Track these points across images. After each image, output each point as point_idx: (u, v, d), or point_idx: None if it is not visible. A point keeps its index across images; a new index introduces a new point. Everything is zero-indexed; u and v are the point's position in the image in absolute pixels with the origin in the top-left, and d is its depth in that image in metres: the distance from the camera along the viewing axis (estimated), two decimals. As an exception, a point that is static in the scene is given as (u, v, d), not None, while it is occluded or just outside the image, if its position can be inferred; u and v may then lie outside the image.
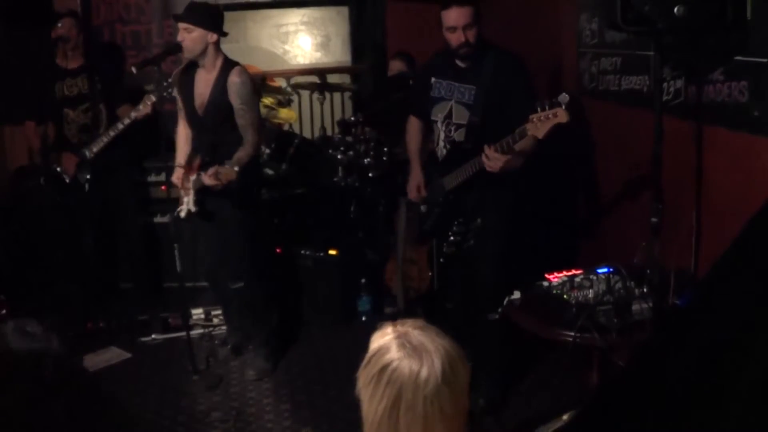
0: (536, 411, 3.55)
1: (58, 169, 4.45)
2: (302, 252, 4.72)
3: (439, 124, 3.57)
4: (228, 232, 3.96)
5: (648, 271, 3.09)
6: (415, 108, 3.82)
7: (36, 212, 4.76)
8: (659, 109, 3.08)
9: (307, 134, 5.49)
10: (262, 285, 4.09)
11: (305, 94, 5.55)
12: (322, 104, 5.22)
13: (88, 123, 4.52)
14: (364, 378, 1.63)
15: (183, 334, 4.09)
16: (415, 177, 3.74)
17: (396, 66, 5.07)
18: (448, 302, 3.99)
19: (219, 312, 4.60)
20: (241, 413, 3.73)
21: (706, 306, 1.54)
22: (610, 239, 4.36)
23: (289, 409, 3.77)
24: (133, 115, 4.20)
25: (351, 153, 4.77)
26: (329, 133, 5.30)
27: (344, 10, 6.19)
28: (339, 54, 6.45)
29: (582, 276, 3.14)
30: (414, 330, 1.64)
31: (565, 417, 2.61)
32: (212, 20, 3.74)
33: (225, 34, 3.80)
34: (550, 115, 2.95)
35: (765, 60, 2.85)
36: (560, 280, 3.17)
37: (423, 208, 3.75)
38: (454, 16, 3.32)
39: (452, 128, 3.52)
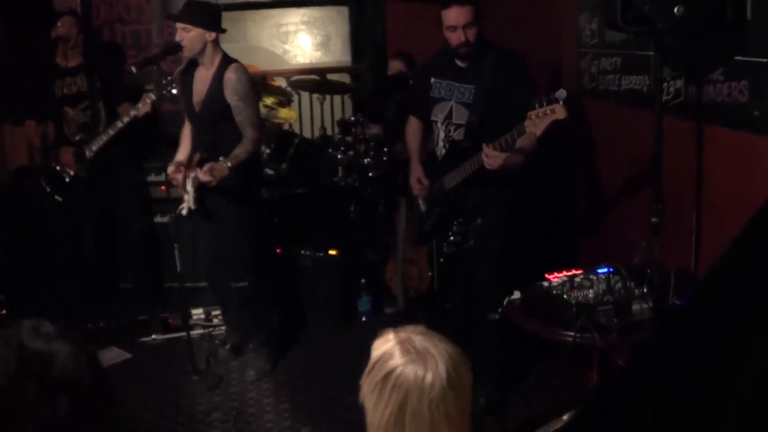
0: (536, 411, 3.55)
1: (58, 168, 4.45)
2: (302, 252, 4.72)
3: (439, 124, 3.57)
4: (228, 231, 3.97)
5: (648, 271, 3.09)
6: (414, 108, 3.81)
7: (36, 212, 4.75)
8: (659, 109, 3.08)
9: (307, 134, 5.49)
10: (262, 285, 4.09)
11: (305, 93, 5.55)
12: (322, 104, 5.22)
13: (88, 121, 4.52)
14: (368, 385, 1.63)
15: (183, 334, 4.09)
16: (415, 170, 3.73)
17: (395, 66, 5.07)
18: (448, 302, 3.99)
19: (219, 312, 4.60)
20: (241, 413, 3.73)
21: (706, 306, 1.54)
22: (610, 239, 4.36)
23: (289, 409, 3.77)
24: (133, 113, 4.19)
25: (351, 153, 4.77)
26: (329, 133, 5.30)
27: (344, 10, 6.19)
28: (339, 54, 6.45)
29: (582, 276, 3.14)
30: (416, 335, 1.64)
31: (565, 417, 2.61)
32: (210, 19, 3.74)
33: (223, 31, 3.80)
34: (548, 111, 2.94)
35: (765, 60, 2.85)
36: (560, 280, 3.17)
37: (423, 207, 3.75)
38: (454, 16, 3.32)
39: (452, 128, 3.52)
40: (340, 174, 4.79)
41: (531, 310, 3.17)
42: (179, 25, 3.73)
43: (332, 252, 4.69)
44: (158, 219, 4.83)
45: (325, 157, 4.83)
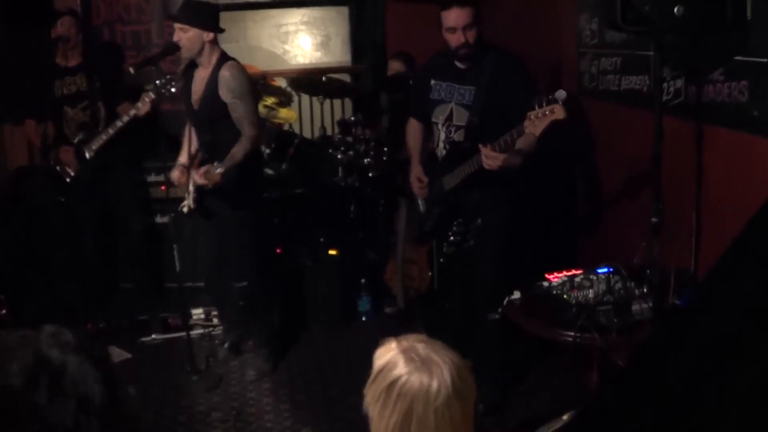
0: (536, 411, 3.55)
1: (58, 168, 4.45)
2: (302, 252, 4.72)
3: (439, 126, 3.57)
4: (228, 231, 3.97)
5: (648, 271, 3.09)
6: (414, 110, 3.81)
7: (36, 212, 4.75)
8: (659, 109, 3.08)
9: (307, 134, 5.48)
10: (262, 285, 4.09)
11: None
12: (322, 104, 5.21)
13: (87, 121, 4.52)
14: (372, 394, 1.63)
15: (183, 334, 4.09)
16: (415, 169, 3.73)
17: (395, 66, 5.07)
18: (448, 302, 3.99)
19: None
20: (241, 413, 3.73)
21: (706, 306, 1.54)
22: (610, 239, 4.36)
23: (289, 409, 3.77)
24: (132, 113, 4.20)
25: (351, 153, 4.77)
26: (329, 133, 5.30)
27: (344, 10, 6.18)
28: (339, 54, 6.45)
29: (582, 276, 3.14)
30: (419, 344, 1.64)
31: (565, 417, 2.61)
32: (208, 19, 3.74)
33: (221, 31, 3.79)
34: (547, 112, 2.95)
35: (765, 60, 2.85)
36: (560, 280, 3.17)
37: (422, 208, 3.75)
38: (453, 17, 3.32)
39: (452, 129, 3.52)
40: (340, 174, 4.79)
41: (531, 310, 3.17)
42: (177, 25, 3.74)
43: (332, 252, 4.70)
44: (158, 219, 4.83)
45: (325, 157, 4.83)
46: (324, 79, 5.01)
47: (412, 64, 4.95)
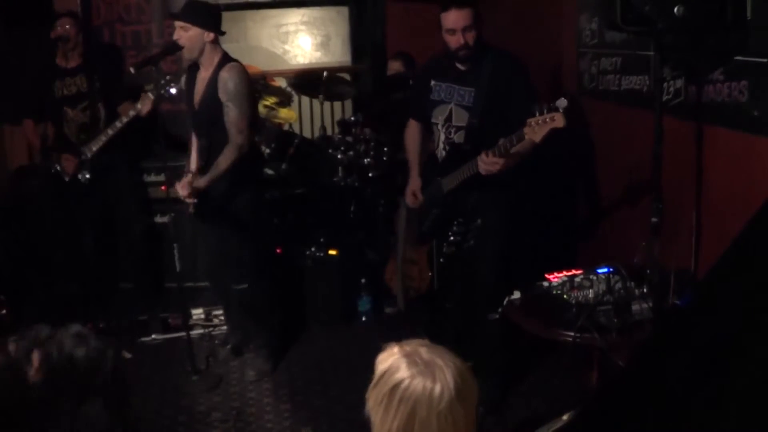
0: (536, 411, 3.55)
1: (57, 167, 4.45)
2: (302, 252, 4.72)
3: (439, 127, 3.56)
4: (228, 231, 3.97)
5: (648, 271, 3.09)
6: (414, 111, 3.80)
7: (36, 212, 4.75)
8: (659, 109, 3.08)
9: (307, 134, 5.48)
10: (262, 285, 4.09)
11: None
12: (322, 104, 5.21)
13: (87, 122, 4.52)
14: (374, 398, 1.63)
15: (183, 334, 4.09)
16: (413, 183, 3.74)
17: (395, 66, 5.07)
18: (448, 302, 3.99)
19: (219, 312, 4.60)
20: (241, 413, 3.73)
21: (706, 306, 1.55)
22: (610, 239, 4.36)
23: (289, 409, 3.77)
24: (132, 113, 4.20)
25: (351, 153, 4.77)
26: (329, 133, 5.30)
27: (344, 10, 6.18)
28: (339, 54, 6.44)
29: (582, 276, 3.14)
30: (421, 348, 1.64)
31: (565, 417, 2.62)
32: (209, 19, 3.73)
33: (222, 33, 3.79)
34: (548, 119, 2.96)
35: (765, 60, 2.85)
36: (560, 280, 3.17)
37: (421, 210, 3.75)
38: (453, 19, 3.32)
39: (452, 130, 3.52)
40: (340, 174, 4.79)
41: (531, 310, 3.17)
42: (178, 24, 3.73)
43: (332, 252, 4.69)
44: (158, 219, 4.83)
45: (325, 157, 4.83)
46: (325, 74, 4.99)
47: (412, 64, 4.95)
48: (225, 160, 3.69)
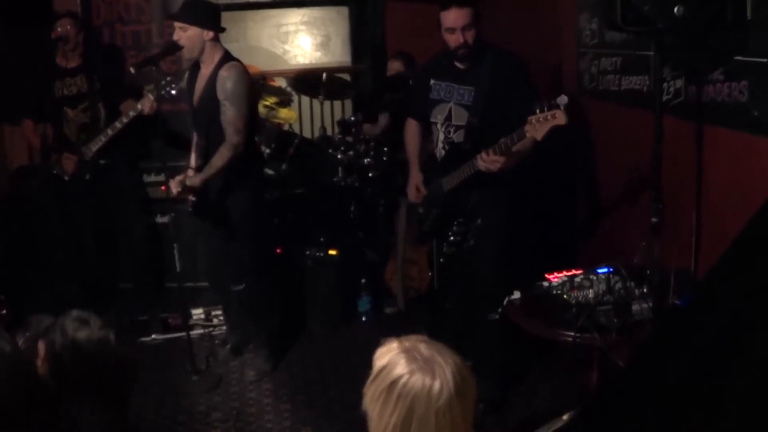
0: (536, 411, 3.55)
1: (56, 171, 4.46)
2: (302, 252, 4.72)
3: (438, 126, 3.56)
4: (228, 232, 3.97)
5: (648, 271, 3.09)
6: (413, 110, 3.80)
7: (36, 212, 4.75)
8: (659, 109, 3.08)
9: (307, 134, 5.48)
10: (262, 285, 4.09)
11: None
12: (322, 104, 5.21)
13: (87, 122, 4.53)
14: (372, 393, 1.62)
15: (183, 334, 4.08)
16: (414, 177, 3.73)
17: (395, 66, 5.07)
18: (448, 302, 3.99)
19: (219, 312, 4.60)
20: (241, 413, 3.73)
21: (706, 306, 1.55)
22: (610, 239, 4.36)
23: (289, 409, 3.77)
24: (132, 113, 4.20)
25: (351, 153, 4.77)
26: (329, 133, 5.30)
27: (344, 10, 6.19)
28: (339, 54, 6.45)
29: (582, 276, 3.14)
30: (421, 344, 1.64)
31: (565, 417, 2.62)
32: (207, 18, 3.72)
33: (222, 30, 3.78)
34: (549, 117, 2.96)
35: (765, 60, 2.85)
36: (560, 280, 3.17)
37: (421, 209, 3.74)
38: (452, 17, 3.32)
39: (451, 130, 3.52)
40: (340, 174, 4.79)
41: (531, 310, 3.17)
42: (177, 24, 3.73)
43: (332, 252, 4.69)
44: (158, 219, 4.83)
45: (325, 157, 4.83)
46: (324, 77, 5.00)
47: (412, 64, 4.95)
48: (220, 158, 3.69)
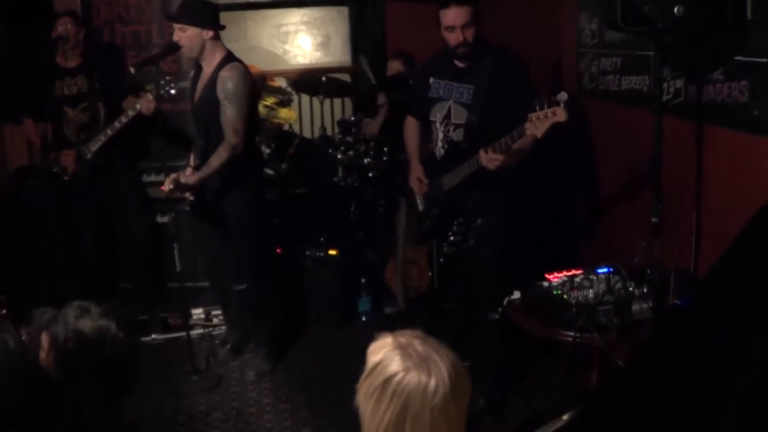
0: (536, 411, 3.55)
1: (56, 170, 4.45)
2: (302, 252, 4.72)
3: (437, 125, 3.56)
4: (228, 231, 3.96)
5: (648, 271, 3.09)
6: (413, 109, 3.80)
7: (36, 212, 4.75)
8: (659, 109, 3.08)
9: (307, 134, 5.48)
10: (262, 285, 4.09)
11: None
12: (322, 104, 5.21)
13: (87, 122, 4.53)
14: (365, 389, 1.61)
15: (183, 334, 4.09)
16: (415, 170, 3.71)
17: (394, 66, 5.07)
18: (448, 302, 3.99)
19: (219, 312, 4.60)
20: (241, 413, 3.73)
21: (706, 306, 1.55)
22: (610, 239, 4.36)
23: (289, 409, 3.77)
24: (131, 113, 4.20)
25: (351, 153, 4.77)
26: (329, 133, 5.30)
27: (344, 10, 6.19)
28: (339, 54, 6.45)
29: (582, 276, 3.14)
30: (416, 340, 1.62)
31: (565, 417, 2.62)
32: (206, 17, 3.72)
33: (221, 28, 3.77)
34: (549, 114, 2.95)
35: (765, 60, 2.85)
36: (560, 280, 3.16)
37: (421, 207, 3.75)
38: (452, 16, 3.32)
39: (451, 128, 3.52)
40: (340, 174, 4.79)
41: (531, 310, 3.17)
42: (176, 24, 3.73)
43: (332, 252, 4.69)
44: (158, 219, 4.83)
45: (325, 157, 4.83)
46: (324, 79, 5.01)
47: (411, 64, 4.95)
48: (217, 158, 3.68)
